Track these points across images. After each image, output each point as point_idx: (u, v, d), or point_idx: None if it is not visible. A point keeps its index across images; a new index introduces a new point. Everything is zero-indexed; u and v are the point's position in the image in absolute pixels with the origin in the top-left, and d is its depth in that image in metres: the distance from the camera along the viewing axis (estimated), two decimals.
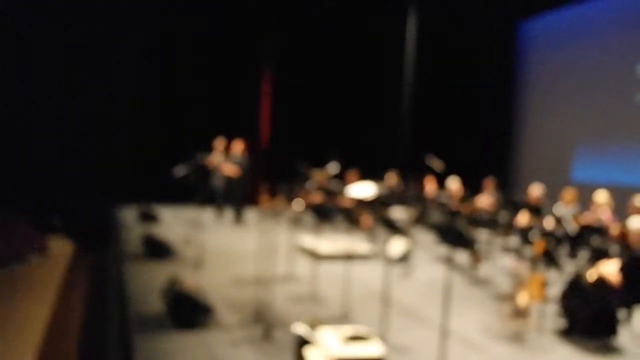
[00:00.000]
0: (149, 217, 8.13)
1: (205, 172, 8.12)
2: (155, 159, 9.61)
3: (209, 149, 8.77)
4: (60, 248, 7.60)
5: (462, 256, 6.88)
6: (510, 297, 4.93)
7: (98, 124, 9.56)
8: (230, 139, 9.00)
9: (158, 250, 6.21)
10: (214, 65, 10.25)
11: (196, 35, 9.98)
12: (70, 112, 9.25)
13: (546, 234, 5.24)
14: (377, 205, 7.58)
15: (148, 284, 4.98)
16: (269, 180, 9.52)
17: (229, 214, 9.03)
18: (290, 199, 8.04)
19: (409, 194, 8.34)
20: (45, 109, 9.09)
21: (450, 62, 10.93)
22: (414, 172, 8.72)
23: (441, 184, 8.30)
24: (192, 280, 4.90)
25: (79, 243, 7.87)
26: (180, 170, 7.04)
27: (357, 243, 7.15)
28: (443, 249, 7.16)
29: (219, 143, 8.92)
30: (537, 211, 5.98)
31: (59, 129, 9.14)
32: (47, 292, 5.55)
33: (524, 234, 5.17)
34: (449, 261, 3.59)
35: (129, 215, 8.69)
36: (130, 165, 9.61)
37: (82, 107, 9.25)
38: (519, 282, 4.65)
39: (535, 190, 6.77)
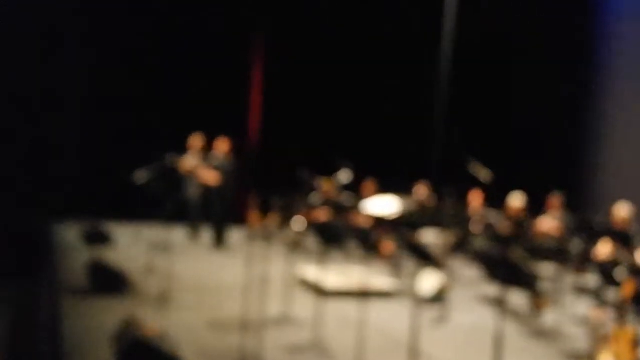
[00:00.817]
0: (97, 238, 7.91)
1: (176, 179, 8.35)
2: (108, 160, 9.64)
3: (181, 149, 8.78)
4: None
5: (518, 298, 6.86)
6: (587, 358, 4.89)
7: (29, 110, 9.48)
8: (210, 136, 9.03)
9: (109, 282, 6.26)
10: (190, 46, 10.42)
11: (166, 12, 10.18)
12: None
13: (638, 272, 5.08)
14: (402, 227, 7.70)
15: (93, 327, 5.03)
16: (261, 191, 9.46)
17: (206, 234, 9.06)
18: (287, 216, 8.16)
19: (445, 213, 8.30)
20: None
21: (500, 41, 10.87)
22: (451, 184, 8.60)
23: (489, 199, 8.31)
24: (155, 322, 4.89)
25: None
26: (142, 176, 7.16)
27: (375, 276, 7.20)
28: (492, 288, 7.07)
29: (196, 141, 8.94)
30: (624, 239, 5.93)
31: None
32: None
33: (606, 270, 5.06)
34: (500, 304, 3.53)
35: (69, 235, 8.61)
36: (73, 168, 9.61)
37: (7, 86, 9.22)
38: (599, 337, 4.51)
39: (622, 212, 6.66)
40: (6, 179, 9.16)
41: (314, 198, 8.22)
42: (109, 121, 10.07)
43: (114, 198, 9.49)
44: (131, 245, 8.46)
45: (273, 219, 8.49)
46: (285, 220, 8.02)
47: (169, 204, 7.83)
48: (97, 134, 10.01)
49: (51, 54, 9.70)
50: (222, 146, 8.85)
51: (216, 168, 8.75)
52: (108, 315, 5.25)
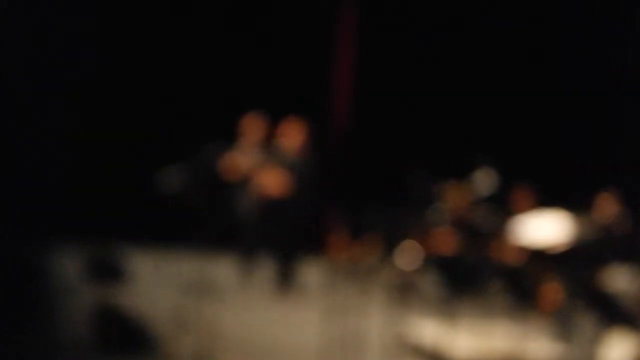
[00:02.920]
0: (107, 272, 8.30)
1: (220, 186, 8.57)
2: (121, 159, 9.99)
3: (229, 138, 8.91)
4: None
5: None
6: None
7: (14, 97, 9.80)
8: (275, 119, 9.15)
9: (123, 337, 6.37)
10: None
11: None
12: None
13: None
14: (576, 263, 7.71)
15: None
16: (350, 204, 9.63)
17: (266, 270, 9.16)
18: (392, 243, 8.14)
19: None
20: None
21: None
22: None
23: None
24: None
25: None
26: (169, 182, 7.32)
27: (531, 339, 7.20)
28: None
29: (252, 126, 9.06)
30: None
31: None
32: None
33: None
34: None
35: (67, 267, 8.84)
36: (73, 172, 9.82)
37: None
38: None
39: None
40: None
41: (435, 216, 8.34)
42: (119, 98, 10.45)
43: (131, 214, 9.77)
44: (155, 283, 8.71)
45: (368, 248, 8.44)
46: (388, 250, 8.00)
47: (210, 223, 7.91)
48: (104, 120, 10.37)
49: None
50: (294, 135, 8.93)
51: (284, 168, 8.83)
52: None
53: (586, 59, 11.11)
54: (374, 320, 7.03)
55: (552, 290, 7.92)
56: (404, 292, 7.90)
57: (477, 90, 11.16)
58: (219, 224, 8.36)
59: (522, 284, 8.10)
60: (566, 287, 7.78)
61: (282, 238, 8.94)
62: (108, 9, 10.46)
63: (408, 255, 7.85)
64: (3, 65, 9.82)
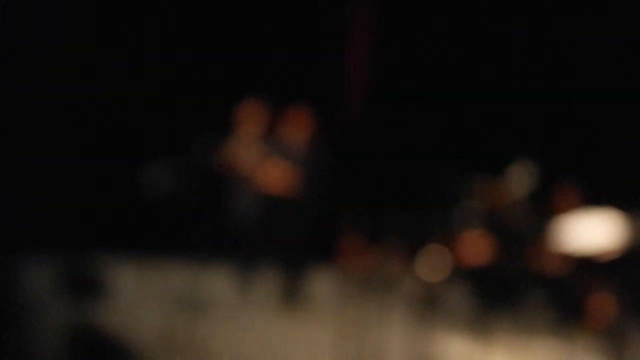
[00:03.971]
0: (84, 286, 8.30)
1: (215, 185, 8.60)
2: (102, 156, 9.96)
3: (224, 127, 8.93)
4: None
5: None
6: None
7: None
8: (278, 107, 9.18)
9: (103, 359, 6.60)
10: None
11: None
12: None
13: None
14: (630, 272, 7.77)
15: None
16: (366, 205, 9.67)
17: (268, 282, 9.18)
18: (414, 250, 8.15)
19: None
20: None
21: None
22: None
23: None
24: None
25: None
26: (156, 181, 7.47)
27: (578, 358, 7.39)
28: None
29: (252, 115, 9.05)
30: None
31: None
32: None
33: None
34: None
35: (39, 281, 8.83)
36: (44, 173, 9.83)
37: None
38: None
39: None
40: None
41: (465, 217, 8.37)
42: (99, 83, 10.48)
43: (111, 219, 9.81)
44: (139, 298, 8.70)
45: (387, 255, 8.50)
46: (411, 258, 8.04)
47: (204, 228, 8.05)
48: (82, 108, 10.39)
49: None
50: (299, 124, 8.96)
51: (289, 163, 8.87)
52: None
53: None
54: (394, 338, 7.05)
55: (602, 303, 7.99)
56: (429, 307, 7.94)
57: (512, 73, 11.20)
58: (213, 229, 8.46)
59: (566, 297, 8.17)
60: (618, 299, 7.82)
61: (288, 244, 8.94)
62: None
63: (433, 264, 7.89)
64: None
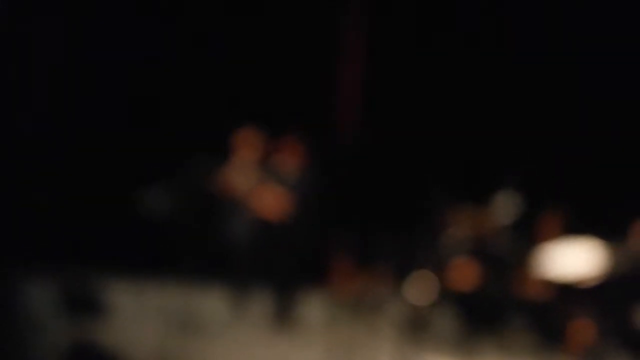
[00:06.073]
0: (83, 305, 8.20)
1: (211, 208, 8.52)
2: (101, 178, 9.98)
3: (221, 153, 8.93)
4: None
5: None
6: None
7: None
8: (271, 133, 9.18)
9: None
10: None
11: None
12: None
13: None
14: (609, 299, 7.74)
15: None
16: (356, 230, 9.70)
17: (261, 303, 9.14)
18: (403, 275, 8.18)
19: None
20: None
21: None
22: None
23: None
24: None
25: None
26: (154, 203, 7.39)
27: None
28: None
29: (247, 143, 9.06)
30: None
31: None
32: None
33: None
34: None
35: (39, 300, 8.71)
36: (44, 193, 9.84)
37: None
38: None
39: None
40: None
41: (452, 244, 8.30)
42: (100, 109, 10.45)
43: (109, 240, 9.78)
44: (137, 318, 8.62)
45: (376, 279, 8.54)
46: (399, 282, 8.05)
47: (200, 250, 8.07)
48: (80, 131, 10.37)
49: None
50: (292, 151, 8.97)
51: (282, 188, 8.85)
52: None
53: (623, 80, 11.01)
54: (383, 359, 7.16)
55: (582, 329, 7.93)
56: (416, 329, 7.94)
57: (499, 103, 11.09)
58: (208, 250, 8.45)
59: (548, 321, 8.11)
60: (598, 324, 7.77)
61: (281, 267, 8.92)
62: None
63: (421, 288, 7.88)
64: None
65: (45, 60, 10.70)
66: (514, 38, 11.43)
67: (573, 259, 7.47)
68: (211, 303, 9.09)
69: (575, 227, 8.48)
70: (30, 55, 10.63)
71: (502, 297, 7.85)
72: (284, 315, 8.85)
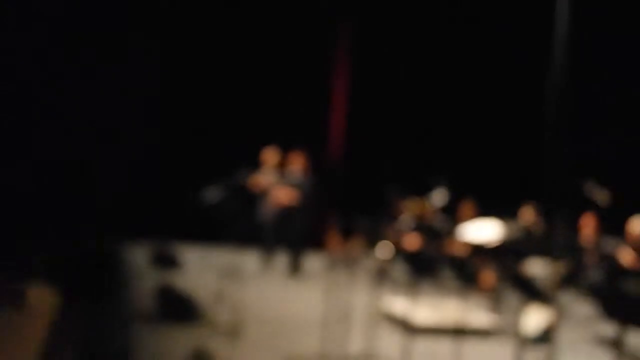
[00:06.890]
0: (166, 261, 8.27)
1: (247, 199, 8.53)
2: (176, 179, 9.97)
3: (254, 164, 9.01)
4: (41, 299, 7.71)
5: (639, 340, 6.52)
6: None
7: (94, 129, 9.84)
8: (286, 150, 9.24)
9: (177, 308, 6.43)
10: (262, 49, 10.62)
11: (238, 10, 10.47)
12: (56, 115, 9.46)
13: None
14: (505, 256, 7.64)
15: (163, 356, 5.16)
16: (343, 212, 9.54)
17: (281, 260, 9.22)
18: (373, 241, 8.12)
19: (554, 240, 7.79)
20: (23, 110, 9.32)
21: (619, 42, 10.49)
22: (563, 207, 8.11)
23: (606, 225, 8.11)
24: (226, 355, 5.05)
25: (67, 292, 7.69)
26: (212, 195, 7.29)
27: (472, 311, 7.13)
28: (607, 327, 6.86)
29: (270, 156, 9.16)
30: None
31: (44, 136, 9.39)
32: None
33: None
34: (617, 346, 3.59)
35: (138, 257, 8.90)
36: (140, 188, 9.97)
37: (72, 108, 9.50)
38: None
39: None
40: (76, 204, 9.47)
41: (404, 221, 8.26)
42: (175, 137, 10.50)
43: (183, 219, 9.72)
44: (200, 270, 8.67)
45: (356, 244, 8.51)
46: (370, 246, 7.96)
47: (240, 226, 7.98)
48: (163, 151, 10.42)
49: (112, 59, 10.06)
50: (299, 161, 9.06)
51: (293, 186, 8.92)
52: (177, 344, 5.48)
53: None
54: (359, 297, 7.03)
55: (489, 276, 8.07)
56: (381, 276, 7.89)
57: (440, 127, 11.02)
58: (246, 226, 8.46)
59: (467, 271, 8.11)
60: (498, 273, 7.83)
61: (292, 236, 9.06)
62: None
63: (384, 250, 7.84)
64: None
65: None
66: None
67: (482, 230, 7.23)
68: (248, 259, 9.12)
69: (483, 209, 8.52)
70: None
71: (436, 255, 7.90)
72: (294, 268, 9.05)
